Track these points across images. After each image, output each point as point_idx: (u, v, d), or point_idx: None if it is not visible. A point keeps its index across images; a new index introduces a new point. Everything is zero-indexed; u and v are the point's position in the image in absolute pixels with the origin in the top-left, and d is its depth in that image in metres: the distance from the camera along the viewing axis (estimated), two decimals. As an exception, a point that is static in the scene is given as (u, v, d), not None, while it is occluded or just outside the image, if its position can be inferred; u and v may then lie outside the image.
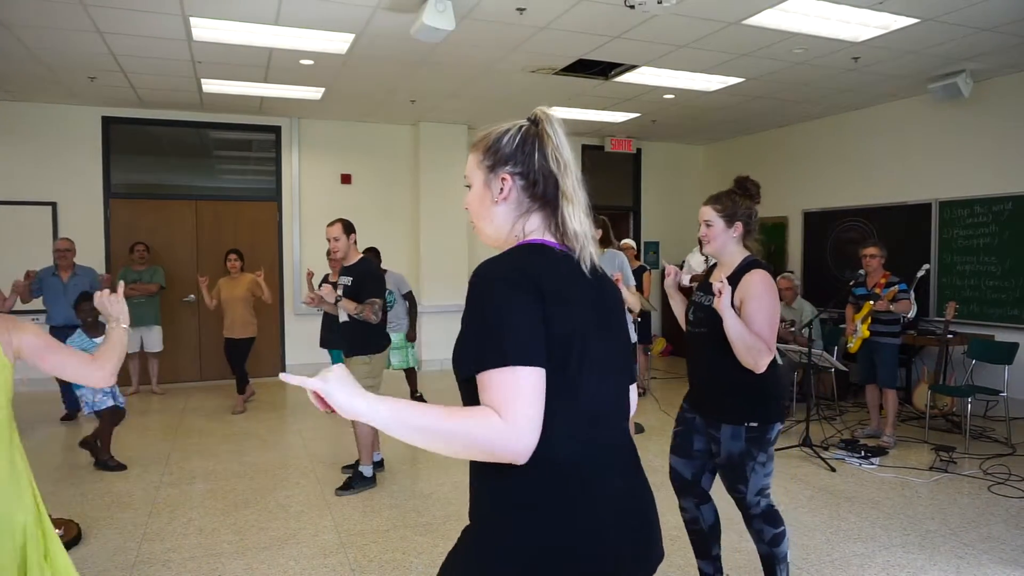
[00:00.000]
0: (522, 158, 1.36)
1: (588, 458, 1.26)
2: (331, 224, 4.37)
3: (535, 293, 1.21)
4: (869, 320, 5.37)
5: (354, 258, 4.40)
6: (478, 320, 1.21)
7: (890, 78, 6.50)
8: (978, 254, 6.63)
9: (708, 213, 2.66)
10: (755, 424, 2.55)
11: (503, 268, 1.25)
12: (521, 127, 1.39)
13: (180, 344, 8.00)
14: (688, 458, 2.78)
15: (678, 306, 2.99)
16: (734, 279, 2.58)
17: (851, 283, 5.59)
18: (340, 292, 4.30)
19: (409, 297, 6.44)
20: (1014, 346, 5.52)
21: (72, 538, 3.55)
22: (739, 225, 2.62)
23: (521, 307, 1.19)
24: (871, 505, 4.12)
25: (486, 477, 1.26)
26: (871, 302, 5.29)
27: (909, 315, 5.50)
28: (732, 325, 2.46)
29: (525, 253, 1.31)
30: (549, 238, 1.37)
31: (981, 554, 3.45)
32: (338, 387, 1.18)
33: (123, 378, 7.60)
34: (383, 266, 6.24)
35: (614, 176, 10.20)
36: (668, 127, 9.05)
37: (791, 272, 7.62)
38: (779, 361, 2.96)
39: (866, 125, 7.81)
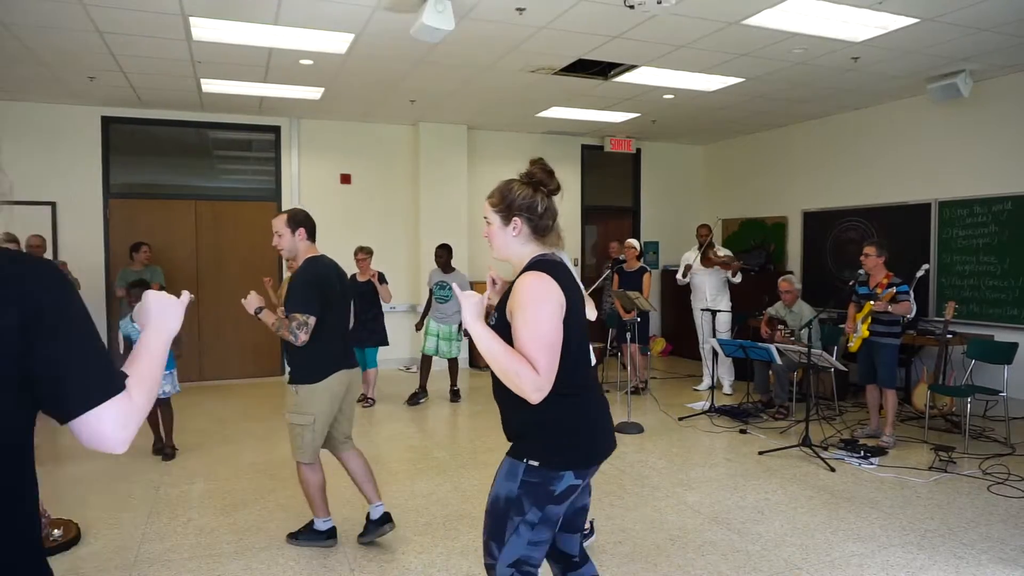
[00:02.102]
0: None
1: None
2: (276, 216, 3.50)
3: None
4: (869, 320, 5.37)
5: (302, 259, 3.44)
6: None
7: (890, 78, 6.51)
8: (978, 254, 6.63)
9: (486, 209, 2.18)
10: (536, 464, 1.95)
11: None
12: None
13: (180, 344, 8.00)
14: None
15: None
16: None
17: (851, 283, 5.59)
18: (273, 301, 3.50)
19: None
20: (1013, 346, 5.52)
21: (72, 538, 3.55)
22: (518, 221, 2.08)
23: None
24: (870, 505, 4.13)
25: None
26: (872, 302, 5.29)
27: (909, 316, 5.50)
28: (480, 341, 1.93)
29: None
30: None
31: (980, 554, 3.45)
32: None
33: (123, 378, 7.60)
34: (453, 264, 6.96)
35: (614, 176, 10.20)
36: (668, 127, 9.05)
37: (791, 273, 7.61)
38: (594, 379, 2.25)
39: (866, 125, 7.82)
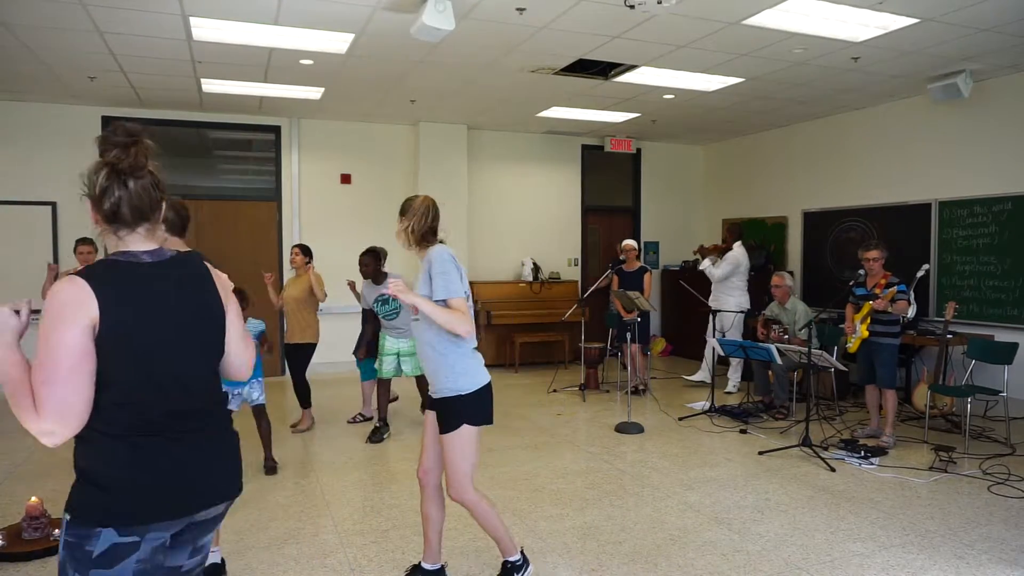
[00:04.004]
0: None
1: None
2: None
3: None
4: (868, 320, 5.37)
5: None
6: None
7: (890, 78, 6.51)
8: (978, 254, 6.63)
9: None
10: (68, 518, 1.57)
11: None
12: None
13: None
14: None
15: None
16: None
17: (851, 283, 5.60)
18: None
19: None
20: (1014, 346, 5.51)
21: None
22: (96, 215, 1.61)
23: None
24: (871, 505, 4.13)
25: None
26: (870, 302, 5.29)
27: (908, 315, 5.50)
28: None
29: None
30: None
31: (981, 554, 3.45)
32: None
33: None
34: (386, 269, 5.80)
35: (614, 176, 10.20)
36: (668, 127, 9.05)
37: (788, 272, 7.61)
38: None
39: (866, 125, 7.81)
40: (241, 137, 8.41)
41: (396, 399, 6.77)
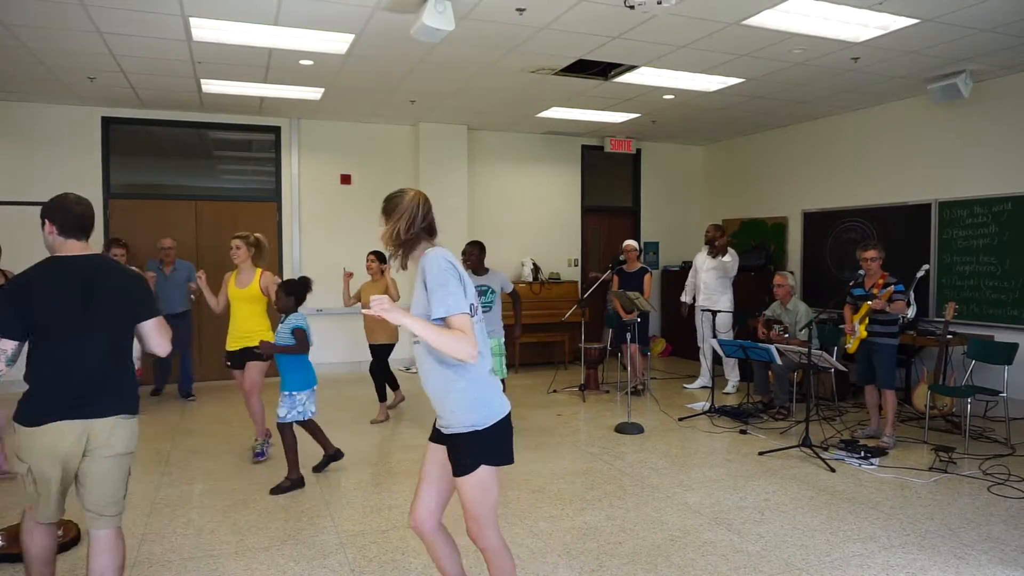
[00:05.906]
0: None
1: None
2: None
3: None
4: (867, 321, 5.37)
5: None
6: None
7: (890, 78, 6.51)
8: (978, 254, 6.63)
9: None
10: None
11: None
12: None
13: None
14: None
15: None
16: None
17: (849, 284, 5.60)
18: None
19: (514, 295, 5.95)
20: (1014, 346, 5.52)
21: (72, 538, 3.55)
22: None
23: None
24: (871, 505, 4.13)
25: None
26: (868, 303, 5.29)
27: (907, 315, 5.50)
28: None
29: None
30: None
31: (981, 554, 3.45)
32: None
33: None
34: (487, 265, 5.77)
35: (614, 176, 10.20)
36: (668, 127, 9.05)
37: (790, 272, 7.62)
38: None
39: (866, 125, 7.82)
40: (241, 137, 8.41)
41: (403, 400, 6.78)
